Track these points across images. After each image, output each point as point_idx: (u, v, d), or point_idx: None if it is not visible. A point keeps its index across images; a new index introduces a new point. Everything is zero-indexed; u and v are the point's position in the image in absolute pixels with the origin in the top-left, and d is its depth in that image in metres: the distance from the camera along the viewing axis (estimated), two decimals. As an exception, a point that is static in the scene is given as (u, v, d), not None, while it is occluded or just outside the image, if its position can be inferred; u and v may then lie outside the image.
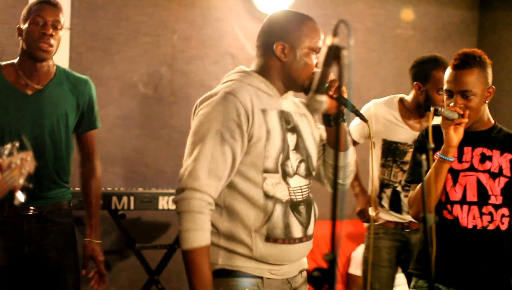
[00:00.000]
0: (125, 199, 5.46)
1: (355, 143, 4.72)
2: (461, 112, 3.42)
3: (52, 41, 3.73)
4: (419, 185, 3.53)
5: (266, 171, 2.97)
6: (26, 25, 3.73)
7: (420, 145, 3.60)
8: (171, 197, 5.46)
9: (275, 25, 3.07)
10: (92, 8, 5.92)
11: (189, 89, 6.23)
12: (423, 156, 2.66)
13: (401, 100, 4.81)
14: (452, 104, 3.47)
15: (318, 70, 2.97)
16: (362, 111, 4.66)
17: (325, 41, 2.33)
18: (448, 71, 3.53)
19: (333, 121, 3.10)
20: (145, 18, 6.11)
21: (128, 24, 6.06)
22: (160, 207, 5.55)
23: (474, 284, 3.56)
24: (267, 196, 2.97)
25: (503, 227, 3.55)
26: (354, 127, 4.87)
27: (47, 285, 3.90)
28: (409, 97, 4.78)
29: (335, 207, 2.22)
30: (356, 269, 6.49)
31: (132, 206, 5.49)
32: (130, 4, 6.08)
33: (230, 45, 6.35)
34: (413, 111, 4.72)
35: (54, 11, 3.75)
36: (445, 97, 3.55)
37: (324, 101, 2.28)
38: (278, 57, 3.03)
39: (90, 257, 3.95)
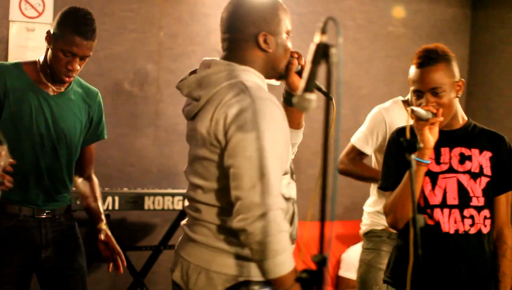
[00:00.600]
0: (109, 199, 5.39)
1: (362, 154, 4.57)
2: (435, 111, 3.32)
3: (75, 72, 3.67)
4: (395, 192, 3.43)
5: (285, 172, 2.87)
6: (54, 45, 3.60)
7: (397, 147, 3.42)
8: (157, 198, 5.42)
9: (251, 14, 2.89)
10: (76, 3, 5.80)
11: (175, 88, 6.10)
12: (412, 156, 2.55)
13: (405, 102, 4.61)
14: (423, 104, 3.36)
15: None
16: (368, 117, 4.57)
17: (313, 38, 2.26)
18: (413, 71, 3.43)
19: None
20: (131, 14, 6.02)
21: (113, 20, 5.98)
22: (146, 207, 5.49)
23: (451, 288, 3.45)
24: (286, 198, 2.84)
25: (485, 230, 3.46)
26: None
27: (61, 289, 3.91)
28: (407, 98, 4.62)
29: (324, 207, 2.20)
30: (346, 271, 6.40)
31: (116, 207, 5.42)
32: (115, 0, 5.97)
33: (218, 42, 6.09)
34: None
35: (87, 46, 3.62)
36: (414, 98, 3.44)
37: (314, 99, 2.22)
38: (263, 48, 2.88)
39: (104, 243, 3.92)
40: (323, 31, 2.21)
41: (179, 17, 6.18)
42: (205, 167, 2.83)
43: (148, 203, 5.47)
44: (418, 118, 3.31)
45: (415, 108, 3.28)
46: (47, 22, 3.79)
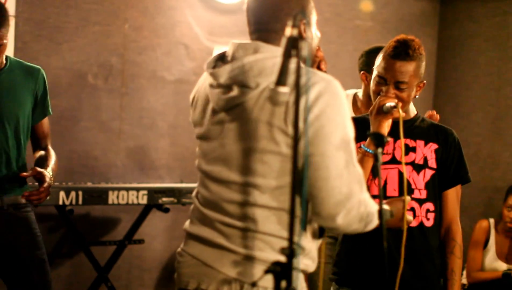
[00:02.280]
0: (73, 194, 5.29)
1: None
2: (396, 103, 3.30)
3: None
4: None
5: None
6: None
7: (375, 137, 3.40)
8: (121, 192, 5.36)
9: (290, 1, 2.63)
10: (38, -5, 5.74)
11: (141, 80, 6.08)
12: (379, 150, 2.52)
13: (355, 95, 4.62)
14: (383, 91, 3.38)
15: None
16: None
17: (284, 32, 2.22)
18: (385, 58, 3.41)
19: None
20: (95, 6, 5.94)
21: (77, 12, 5.88)
22: (110, 202, 5.42)
23: (398, 286, 3.33)
24: None
25: (428, 224, 3.45)
26: None
27: (16, 280, 3.91)
28: (361, 91, 4.62)
29: (293, 202, 2.19)
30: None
31: (80, 201, 5.32)
32: (79, -8, 5.89)
33: (183, 35, 6.20)
34: (366, 104, 4.51)
35: None
36: (374, 82, 3.44)
37: (287, 92, 2.21)
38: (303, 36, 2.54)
39: (37, 178, 3.77)
40: (294, 25, 2.21)
41: (144, 10, 6.10)
42: (264, 162, 2.50)
43: (112, 197, 5.40)
44: (379, 111, 3.30)
45: (388, 104, 3.27)
46: (10, 14, 3.73)
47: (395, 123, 3.40)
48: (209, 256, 2.59)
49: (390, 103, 3.27)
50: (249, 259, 2.51)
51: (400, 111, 3.26)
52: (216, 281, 2.55)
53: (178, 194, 5.46)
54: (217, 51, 5.87)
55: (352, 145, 2.49)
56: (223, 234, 2.57)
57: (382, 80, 3.40)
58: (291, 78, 2.34)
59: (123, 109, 6.06)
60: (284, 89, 2.19)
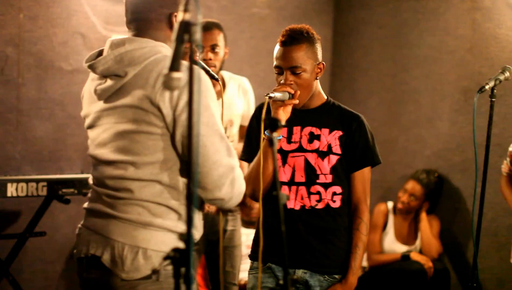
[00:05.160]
0: (-30, 187, 5.17)
1: None
2: (292, 92, 3.48)
3: None
4: (252, 163, 3.60)
5: None
6: None
7: (258, 123, 3.65)
8: (20, 184, 5.28)
9: None
10: None
11: (37, 70, 5.97)
12: (274, 134, 2.62)
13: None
14: (282, 81, 3.52)
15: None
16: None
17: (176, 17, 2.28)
18: (277, 48, 3.57)
19: None
20: (-12, -4, 5.80)
21: (-31, 1, 5.74)
22: (9, 194, 5.31)
23: (307, 263, 3.64)
24: None
25: (335, 205, 3.65)
26: None
27: None
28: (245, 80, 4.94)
29: (190, 187, 2.26)
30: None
31: (-23, 195, 5.21)
32: (-29, -19, 5.77)
33: (80, 24, 6.12)
34: None
35: None
36: (275, 72, 3.58)
37: (181, 77, 2.27)
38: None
39: None
40: (185, 10, 2.25)
41: (39, -1, 6.00)
42: (137, 142, 2.85)
43: (11, 190, 5.29)
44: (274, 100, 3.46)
45: (272, 94, 3.42)
46: None
47: (301, 112, 3.60)
48: (99, 224, 2.95)
49: (276, 94, 3.43)
50: (130, 222, 2.87)
51: (294, 100, 3.48)
52: (102, 245, 2.89)
53: (78, 185, 5.40)
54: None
55: (220, 122, 2.84)
56: (108, 205, 2.94)
57: (279, 69, 3.55)
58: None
59: (20, 100, 5.95)
60: (179, 74, 2.27)
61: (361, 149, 3.65)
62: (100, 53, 3.04)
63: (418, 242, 6.44)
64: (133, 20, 3.00)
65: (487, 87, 3.84)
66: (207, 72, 3.30)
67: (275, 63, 3.56)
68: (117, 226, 2.88)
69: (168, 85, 2.27)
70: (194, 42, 2.21)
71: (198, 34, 2.21)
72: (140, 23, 2.97)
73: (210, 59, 4.58)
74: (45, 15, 6.00)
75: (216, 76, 3.42)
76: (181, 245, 2.28)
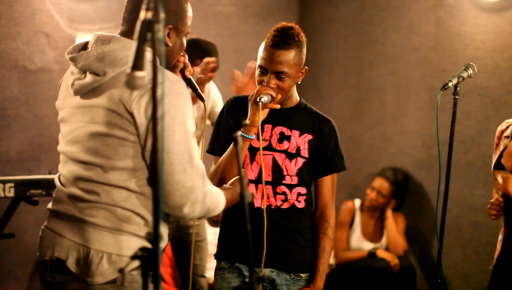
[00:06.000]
0: None
1: None
2: (274, 95, 3.45)
3: None
4: (220, 161, 3.57)
5: None
6: None
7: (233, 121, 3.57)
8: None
9: (165, 4, 2.73)
10: None
11: (1, 70, 5.93)
12: (238, 133, 2.62)
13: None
14: (265, 81, 3.48)
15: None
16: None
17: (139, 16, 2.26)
18: (265, 47, 3.51)
19: None
20: (-51, -6, 5.75)
21: None
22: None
23: (274, 262, 3.65)
24: None
25: (300, 205, 3.67)
26: None
27: None
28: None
29: (156, 190, 2.25)
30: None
31: None
32: None
33: (44, 23, 6.07)
34: None
35: None
36: (257, 72, 3.54)
37: (143, 76, 2.24)
38: (165, 41, 2.92)
39: None
40: (148, 8, 2.22)
41: (1, -3, 5.95)
42: (109, 145, 2.81)
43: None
44: (255, 101, 3.43)
45: (262, 98, 3.41)
46: None
47: (274, 111, 3.55)
48: (64, 227, 2.90)
49: (264, 97, 3.41)
50: (95, 227, 2.83)
51: (274, 104, 3.47)
52: (67, 248, 2.85)
53: (46, 185, 5.34)
54: (80, 39, 5.81)
55: (194, 142, 2.80)
56: (75, 207, 2.88)
57: (264, 70, 3.50)
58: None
59: (-17, 100, 5.92)
60: (141, 74, 2.24)
61: (330, 155, 3.67)
62: (84, 46, 2.97)
63: (384, 240, 6.48)
64: (127, 20, 2.95)
65: (450, 84, 3.85)
66: (196, 92, 3.29)
67: (260, 62, 3.50)
68: (82, 229, 2.84)
69: (130, 84, 2.24)
70: (157, 41, 2.19)
71: (160, 33, 2.19)
72: (132, 24, 2.86)
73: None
74: (8, 14, 5.95)
75: (204, 98, 3.37)
76: (147, 248, 2.28)
